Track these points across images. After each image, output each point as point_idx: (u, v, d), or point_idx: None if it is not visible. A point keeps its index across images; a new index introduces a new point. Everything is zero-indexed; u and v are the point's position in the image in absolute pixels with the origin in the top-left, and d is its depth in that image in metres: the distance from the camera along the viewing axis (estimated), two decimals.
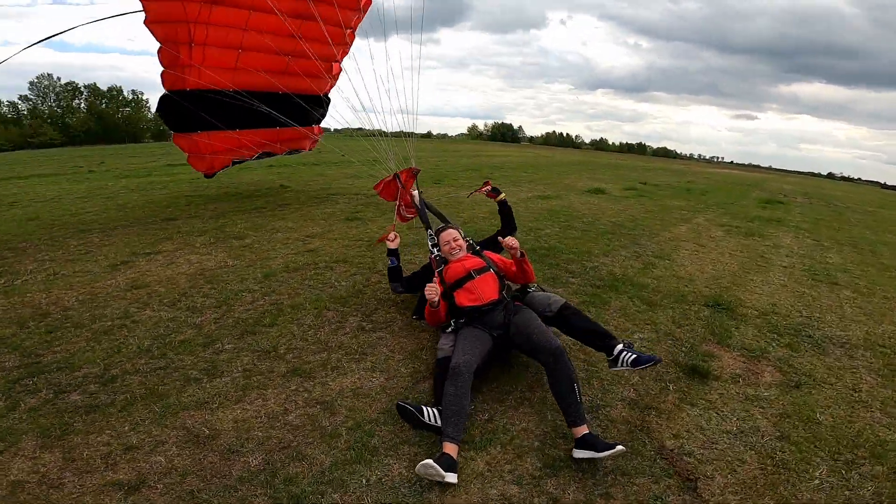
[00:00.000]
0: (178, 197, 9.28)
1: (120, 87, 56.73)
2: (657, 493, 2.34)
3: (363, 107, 5.08)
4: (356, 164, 5.70)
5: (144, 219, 7.42)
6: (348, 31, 6.78)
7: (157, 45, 5.83)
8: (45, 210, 8.23)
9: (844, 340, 4.05)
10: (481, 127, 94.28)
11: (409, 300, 4.13)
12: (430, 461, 2.26)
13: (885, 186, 63.49)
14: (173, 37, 5.73)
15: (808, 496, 2.37)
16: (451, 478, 2.29)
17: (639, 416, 2.89)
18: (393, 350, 3.46)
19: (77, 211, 8.22)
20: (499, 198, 4.49)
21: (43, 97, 51.46)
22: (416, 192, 4.29)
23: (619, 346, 2.89)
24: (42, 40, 5.51)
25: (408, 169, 4.35)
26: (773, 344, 3.88)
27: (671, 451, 2.62)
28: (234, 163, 7.48)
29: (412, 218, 4.45)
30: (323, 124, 7.64)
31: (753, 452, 2.64)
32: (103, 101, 54.46)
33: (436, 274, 3.50)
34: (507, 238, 3.37)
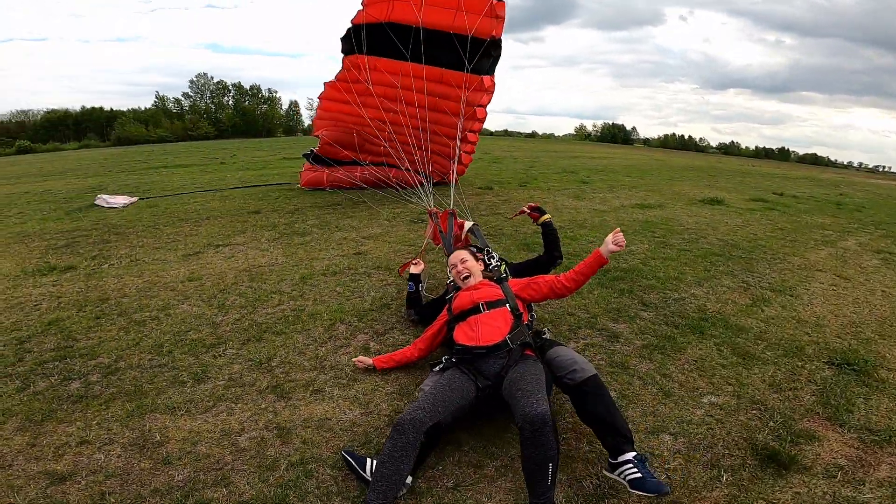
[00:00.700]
0: (274, 190, 9.89)
1: (258, 85, 63.04)
2: None
3: None
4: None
5: (236, 210, 7.97)
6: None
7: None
8: (164, 199, 9.29)
9: None
10: (590, 127, 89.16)
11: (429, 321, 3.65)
12: None
13: None
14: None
15: None
16: None
17: None
18: (385, 381, 3.02)
19: (188, 200, 9.18)
20: (541, 219, 3.81)
21: (200, 94, 58.93)
22: (468, 223, 4.13)
23: (628, 456, 2.15)
24: None
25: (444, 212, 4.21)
26: None
27: None
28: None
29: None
30: None
31: None
32: (246, 98, 60.91)
33: (444, 310, 3.08)
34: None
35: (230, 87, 60.45)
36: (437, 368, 2.69)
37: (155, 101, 58.29)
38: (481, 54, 6.69)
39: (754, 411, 2.76)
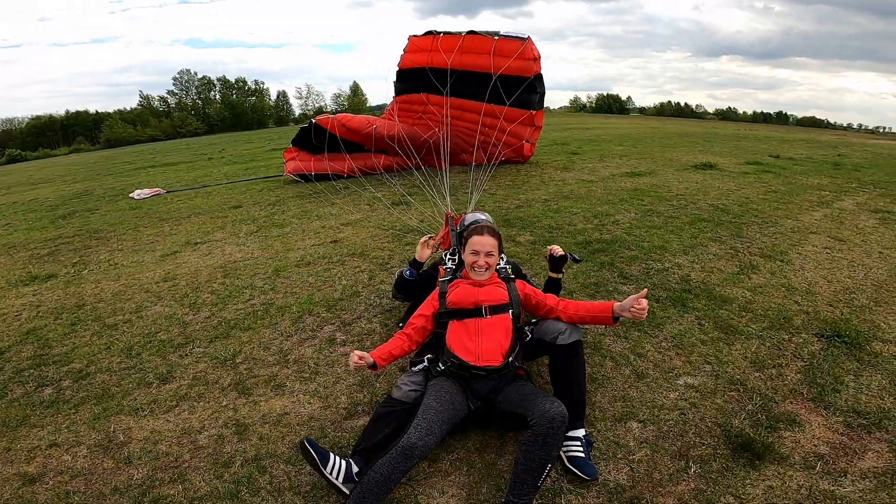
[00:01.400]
0: (259, 183, 9.74)
1: (244, 77, 62.89)
2: None
3: None
4: None
5: (217, 206, 7.86)
6: None
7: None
8: (149, 199, 9.19)
9: None
10: (584, 99, 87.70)
11: (399, 307, 3.53)
12: None
13: None
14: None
15: None
16: None
17: None
18: (348, 373, 2.92)
19: (171, 199, 9.08)
20: (554, 275, 2.99)
21: (185, 91, 59.23)
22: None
23: (579, 433, 2.18)
24: None
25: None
26: None
27: None
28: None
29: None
30: None
31: None
32: (233, 91, 60.93)
33: (437, 284, 2.67)
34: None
35: (215, 82, 60.35)
36: (418, 368, 2.47)
37: (140, 101, 58.33)
38: (525, 90, 7.26)
39: (732, 393, 2.62)
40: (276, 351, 3.20)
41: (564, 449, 2.11)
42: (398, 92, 9.28)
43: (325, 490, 2.12)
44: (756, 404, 2.54)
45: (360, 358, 2.19)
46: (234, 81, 61.61)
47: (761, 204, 6.50)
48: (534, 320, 2.62)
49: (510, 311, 2.44)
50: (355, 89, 73.80)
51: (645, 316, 2.23)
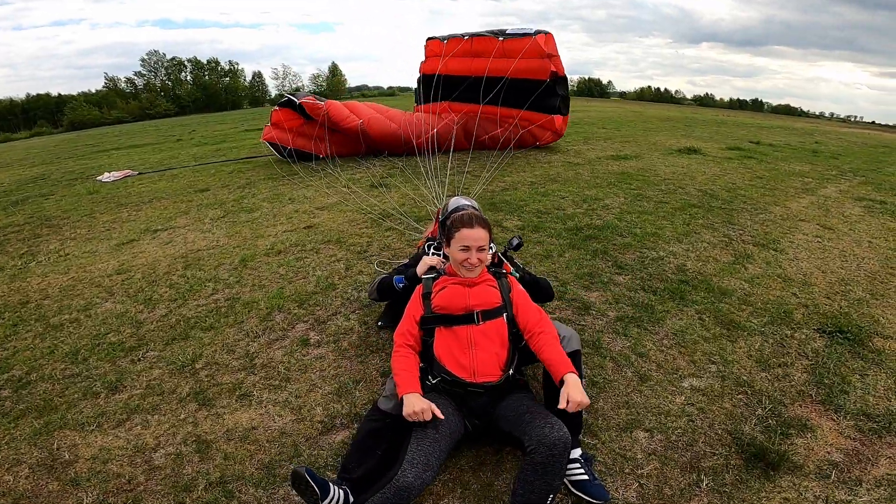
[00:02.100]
0: (230, 164, 9.18)
1: (216, 58, 61.08)
2: None
3: None
4: None
5: (182, 189, 7.34)
6: None
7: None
8: (108, 183, 8.55)
9: None
10: None
11: (377, 308, 3.23)
12: None
13: None
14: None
15: None
16: None
17: None
18: (323, 378, 2.62)
19: (133, 182, 8.48)
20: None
21: (154, 72, 56.87)
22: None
23: (576, 454, 1.94)
24: None
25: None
26: None
27: None
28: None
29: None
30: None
31: None
32: (205, 72, 58.98)
33: (419, 290, 2.25)
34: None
35: (186, 63, 58.25)
36: None
37: (105, 83, 55.81)
38: (543, 94, 7.35)
39: (740, 395, 2.44)
40: (242, 354, 2.87)
41: (566, 474, 1.87)
42: (423, 100, 8.65)
43: None
44: (766, 408, 2.36)
45: (425, 410, 1.77)
46: (206, 62, 59.66)
47: (749, 190, 6.42)
48: None
49: (504, 314, 2.12)
50: (334, 70, 71.85)
51: (577, 408, 1.78)
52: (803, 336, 2.94)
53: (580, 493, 1.83)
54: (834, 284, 3.65)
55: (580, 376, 2.02)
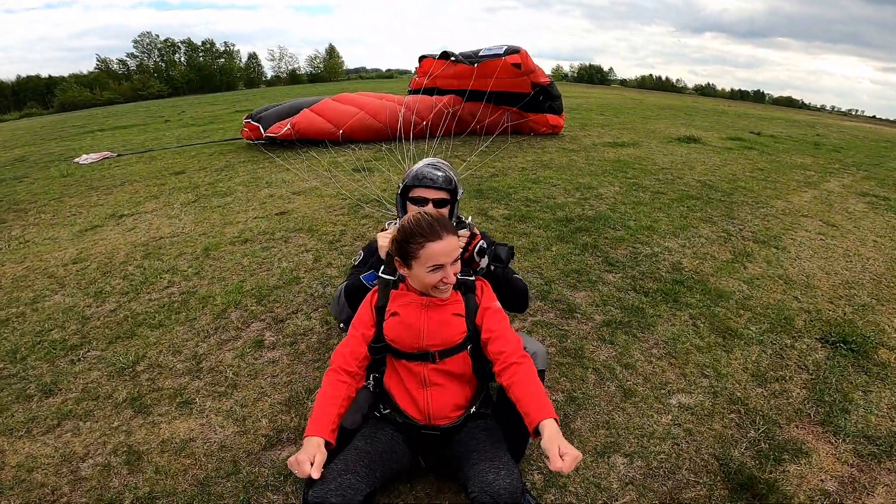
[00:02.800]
0: (210, 147, 8.82)
1: (212, 40, 60.59)
2: None
3: None
4: None
5: (157, 173, 7.01)
6: None
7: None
8: (84, 166, 8.21)
9: None
10: (566, 68, 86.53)
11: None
12: None
13: None
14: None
15: None
16: None
17: None
18: (274, 386, 2.36)
19: (110, 164, 8.15)
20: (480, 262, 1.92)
21: (147, 54, 56.26)
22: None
23: None
24: None
25: None
26: None
27: None
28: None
29: None
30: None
31: None
32: (200, 53, 58.37)
33: (372, 298, 1.72)
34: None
35: (179, 45, 57.87)
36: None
37: (97, 64, 55.15)
38: (531, 103, 7.77)
39: (732, 415, 2.19)
40: (189, 356, 2.61)
41: None
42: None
43: None
44: (759, 430, 2.12)
45: (302, 462, 1.28)
46: (200, 44, 59.27)
47: (749, 182, 6.14)
48: None
49: (469, 345, 1.65)
50: (331, 51, 70.70)
51: (562, 470, 1.27)
52: (804, 346, 2.69)
53: None
54: (838, 287, 3.40)
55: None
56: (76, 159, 8.76)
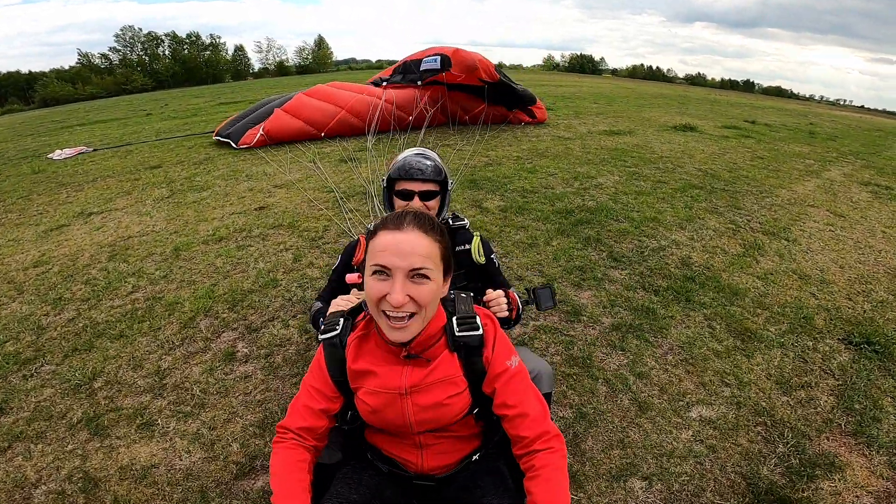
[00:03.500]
0: (191, 139, 8.44)
1: (197, 32, 60.02)
2: None
3: None
4: None
5: (132, 167, 6.64)
6: None
7: None
8: (58, 161, 7.82)
9: None
10: (558, 58, 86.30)
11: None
12: None
13: None
14: None
15: None
16: None
17: None
18: (247, 405, 2.10)
19: (84, 160, 7.76)
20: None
21: (130, 48, 55.77)
22: None
23: None
24: None
25: None
26: None
27: None
28: None
29: None
30: None
31: None
32: (185, 46, 57.61)
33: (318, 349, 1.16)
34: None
35: (163, 38, 57.03)
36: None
37: (79, 59, 54.29)
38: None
39: (758, 428, 1.97)
40: (151, 371, 2.33)
41: None
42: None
43: None
44: (788, 444, 1.90)
45: None
46: (185, 37, 58.81)
47: (751, 171, 5.95)
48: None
49: (475, 411, 1.14)
50: (320, 43, 69.72)
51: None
52: (827, 348, 2.48)
53: None
54: (854, 283, 3.19)
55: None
56: (49, 155, 8.36)
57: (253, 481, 1.79)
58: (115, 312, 2.81)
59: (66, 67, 52.70)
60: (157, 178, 5.67)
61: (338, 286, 1.69)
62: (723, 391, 2.13)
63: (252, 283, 2.99)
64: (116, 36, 55.14)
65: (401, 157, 1.68)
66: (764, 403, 2.08)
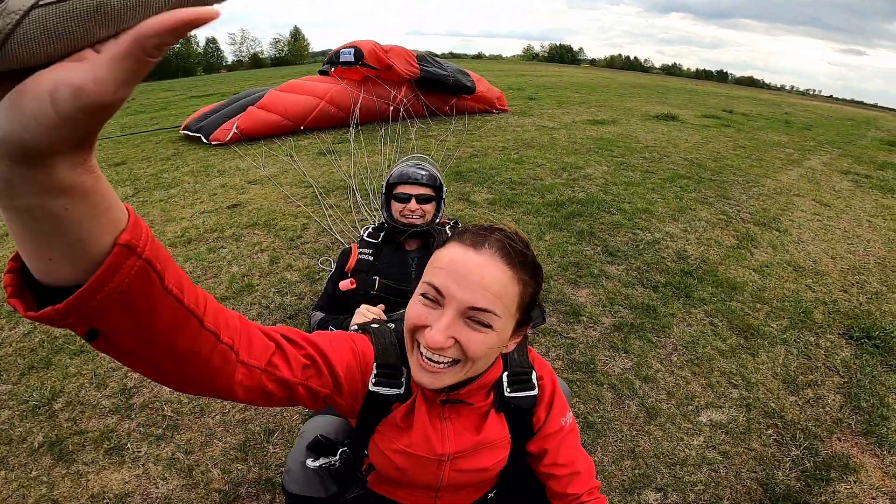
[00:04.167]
0: (158, 135, 8.00)
1: None
2: None
3: None
4: None
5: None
6: None
7: None
8: None
9: None
10: (538, 48, 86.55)
11: (308, 310, 2.48)
12: None
13: None
14: None
15: None
16: None
17: None
18: (224, 426, 1.92)
19: None
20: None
21: None
22: None
23: None
24: None
25: None
26: None
27: None
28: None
29: None
30: None
31: None
32: None
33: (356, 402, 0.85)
34: None
35: None
36: (320, 465, 1.01)
37: None
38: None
39: (770, 430, 1.89)
40: (116, 390, 2.11)
41: None
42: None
43: None
44: (800, 446, 1.83)
45: None
46: None
47: (735, 160, 5.96)
48: None
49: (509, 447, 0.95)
50: (296, 34, 68.14)
51: None
52: (829, 344, 2.43)
53: None
54: (847, 274, 3.18)
55: None
56: None
57: None
58: None
59: None
60: (121, 176, 5.32)
61: (334, 294, 1.73)
62: (731, 393, 2.04)
63: (225, 289, 2.76)
64: None
65: (399, 165, 1.84)
66: (773, 404, 2.01)
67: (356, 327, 0.90)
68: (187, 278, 0.48)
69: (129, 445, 1.86)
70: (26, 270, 0.39)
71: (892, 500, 1.68)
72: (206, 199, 4.20)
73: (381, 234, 1.79)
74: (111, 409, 2.03)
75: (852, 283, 3.06)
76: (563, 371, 2.10)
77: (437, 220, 1.84)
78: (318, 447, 1.01)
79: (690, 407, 1.96)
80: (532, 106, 9.39)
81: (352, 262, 1.74)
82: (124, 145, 7.39)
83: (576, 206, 3.86)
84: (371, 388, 0.80)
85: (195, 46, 60.59)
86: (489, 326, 0.71)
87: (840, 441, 1.90)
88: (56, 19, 0.29)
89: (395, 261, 1.74)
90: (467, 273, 0.70)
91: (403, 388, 0.82)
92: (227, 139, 6.28)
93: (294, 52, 65.18)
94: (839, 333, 2.53)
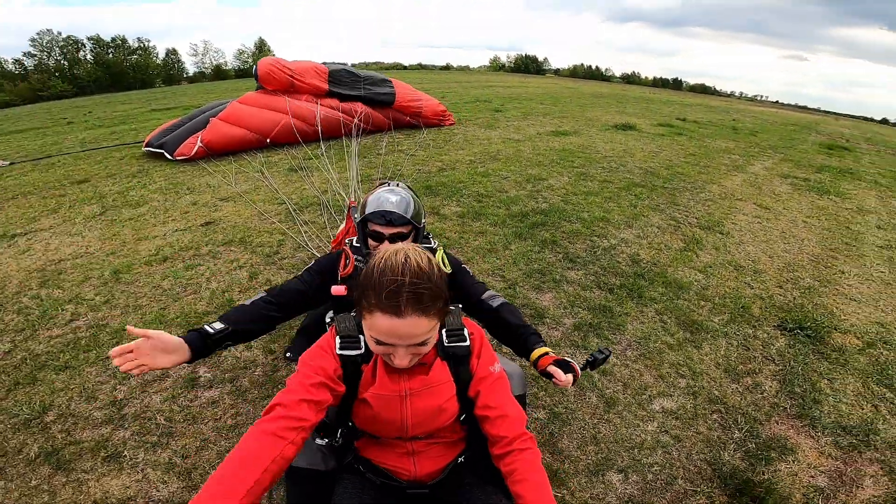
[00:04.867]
0: (120, 150, 7.84)
1: (123, 35, 56.69)
2: None
3: None
4: None
5: (56, 182, 6.08)
6: None
7: None
8: None
9: None
10: (504, 59, 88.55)
11: (291, 324, 2.61)
12: None
13: None
14: None
15: None
16: None
17: None
18: (218, 431, 2.02)
19: (1, 174, 7.01)
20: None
21: (48, 52, 52.00)
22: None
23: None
24: None
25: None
26: (885, 409, 2.24)
27: None
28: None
29: None
30: None
31: None
32: (109, 50, 54.82)
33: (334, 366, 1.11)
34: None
35: (84, 42, 53.60)
36: (325, 441, 1.28)
37: None
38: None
39: (715, 415, 2.14)
40: (107, 402, 2.17)
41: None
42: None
43: None
44: (742, 429, 2.08)
45: None
46: (110, 40, 55.24)
47: (685, 167, 6.39)
48: None
49: (461, 417, 1.23)
50: (261, 45, 67.26)
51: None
52: (765, 335, 2.73)
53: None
54: (783, 271, 3.53)
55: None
56: None
57: None
58: (55, 342, 2.58)
59: None
60: (86, 194, 5.24)
61: (300, 293, 1.56)
62: (679, 382, 2.29)
63: (206, 304, 2.84)
64: (32, 40, 51.10)
65: (371, 195, 1.65)
66: (717, 392, 2.26)
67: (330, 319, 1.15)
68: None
69: (125, 453, 1.94)
70: None
71: (829, 477, 1.90)
72: (179, 217, 4.22)
73: None
74: (104, 419, 2.09)
75: (787, 280, 3.40)
76: (530, 368, 2.29)
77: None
78: (323, 427, 1.26)
79: (644, 396, 2.19)
80: (498, 118, 9.71)
81: (349, 268, 1.63)
82: (86, 161, 7.22)
83: (539, 217, 4.11)
84: (338, 352, 1.11)
85: (154, 58, 59.00)
86: (426, 344, 1.05)
87: (778, 424, 2.15)
88: None
89: None
90: (400, 336, 0.99)
91: (364, 349, 1.13)
92: (193, 154, 6.25)
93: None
94: (775, 325, 2.83)
